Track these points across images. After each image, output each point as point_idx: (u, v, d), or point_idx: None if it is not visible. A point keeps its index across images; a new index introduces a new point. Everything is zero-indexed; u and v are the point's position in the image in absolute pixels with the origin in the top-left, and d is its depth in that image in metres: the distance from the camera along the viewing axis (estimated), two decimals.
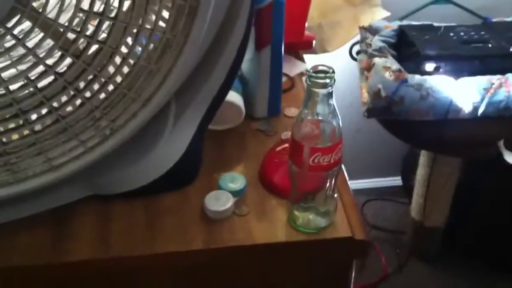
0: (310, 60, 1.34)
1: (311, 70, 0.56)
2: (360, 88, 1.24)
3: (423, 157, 1.38)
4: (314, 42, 0.99)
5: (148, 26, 0.56)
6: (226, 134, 0.79)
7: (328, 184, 0.62)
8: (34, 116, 0.58)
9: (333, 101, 0.57)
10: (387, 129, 1.25)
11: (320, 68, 0.56)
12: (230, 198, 0.66)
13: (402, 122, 1.17)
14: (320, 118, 0.58)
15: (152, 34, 0.56)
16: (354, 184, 1.76)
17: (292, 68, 0.90)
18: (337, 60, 1.40)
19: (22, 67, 0.55)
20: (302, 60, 0.97)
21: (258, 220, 0.66)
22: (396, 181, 1.77)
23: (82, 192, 0.69)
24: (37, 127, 0.59)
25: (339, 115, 0.58)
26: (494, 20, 1.35)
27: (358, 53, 1.33)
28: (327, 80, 0.55)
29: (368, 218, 1.69)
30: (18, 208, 0.66)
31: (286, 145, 0.67)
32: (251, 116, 0.81)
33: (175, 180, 0.70)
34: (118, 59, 0.58)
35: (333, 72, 0.56)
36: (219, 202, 0.65)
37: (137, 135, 0.65)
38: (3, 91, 0.55)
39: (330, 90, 0.56)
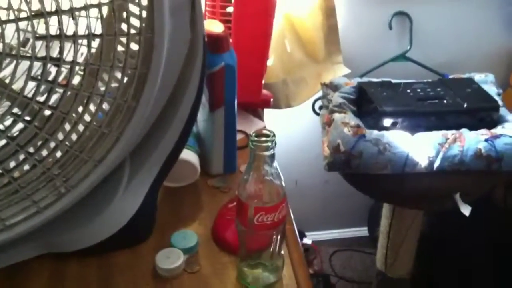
0: (276, 115, 1.39)
1: (254, 134, 0.59)
2: (322, 142, 1.28)
3: (385, 209, 1.41)
4: (272, 100, 1.02)
5: (99, 92, 0.59)
6: (182, 191, 0.81)
7: (274, 242, 0.64)
8: None
9: (275, 163, 0.60)
10: (348, 182, 1.28)
11: (263, 132, 0.60)
12: (181, 255, 0.68)
13: (362, 175, 1.21)
14: (263, 178, 0.61)
15: (102, 101, 0.59)
16: (324, 235, 1.78)
17: (249, 125, 0.94)
18: (304, 115, 1.44)
19: None
20: (261, 117, 1.01)
21: (208, 277, 0.67)
22: (364, 231, 1.79)
23: (35, 250, 0.70)
24: None
25: (281, 175, 0.61)
26: (450, 76, 1.42)
27: (320, 108, 1.38)
28: (269, 144, 0.58)
29: (336, 269, 1.70)
30: None
31: (233, 204, 0.69)
32: (207, 173, 0.84)
33: (129, 238, 0.71)
34: (68, 124, 0.60)
35: (274, 136, 0.59)
36: (169, 260, 0.67)
37: (91, 193, 0.67)
38: None
39: (272, 152, 0.59)
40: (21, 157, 0.60)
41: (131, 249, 0.71)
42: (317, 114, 1.39)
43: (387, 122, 1.22)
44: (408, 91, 1.30)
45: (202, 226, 0.75)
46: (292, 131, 1.57)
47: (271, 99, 1.02)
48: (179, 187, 0.81)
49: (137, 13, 0.58)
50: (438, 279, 1.56)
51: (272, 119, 1.23)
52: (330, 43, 1.43)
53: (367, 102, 1.28)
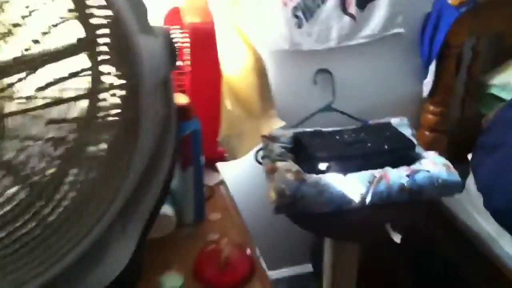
0: (225, 167, 1.52)
1: None
2: (268, 189, 1.43)
3: (327, 244, 1.57)
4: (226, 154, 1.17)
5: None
6: (161, 241, 0.93)
7: None
8: None
9: None
10: (293, 222, 1.43)
11: None
12: None
13: (305, 214, 1.36)
14: None
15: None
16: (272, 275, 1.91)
17: (210, 179, 1.07)
18: (246, 165, 1.59)
19: None
20: (217, 170, 1.15)
21: None
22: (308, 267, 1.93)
23: None
24: None
25: None
26: (370, 122, 1.63)
27: (263, 157, 1.53)
28: None
29: None
30: None
31: (214, 245, 0.82)
32: (180, 223, 0.96)
33: (122, 285, 0.82)
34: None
35: None
36: None
37: (94, 247, 0.77)
38: None
39: None
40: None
41: None
42: (260, 163, 1.54)
43: (322, 166, 1.40)
44: (337, 137, 1.49)
45: (184, 268, 0.87)
46: (239, 181, 1.70)
47: (225, 153, 1.17)
48: (159, 238, 0.93)
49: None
50: None
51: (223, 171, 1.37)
52: (264, 99, 1.60)
53: (302, 150, 1.45)
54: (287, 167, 1.37)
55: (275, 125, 1.58)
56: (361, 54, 1.65)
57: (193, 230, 0.95)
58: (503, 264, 1.46)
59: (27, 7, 0.63)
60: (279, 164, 1.39)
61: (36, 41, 0.65)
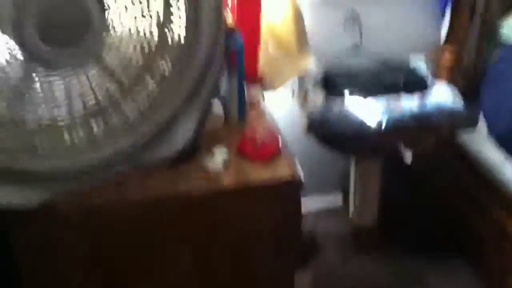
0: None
1: None
2: (300, 115, 1.71)
3: (352, 164, 1.85)
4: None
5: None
6: (214, 132, 1.23)
7: None
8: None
9: None
10: (322, 144, 1.70)
11: None
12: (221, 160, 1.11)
13: (333, 135, 1.63)
14: None
15: None
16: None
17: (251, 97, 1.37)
18: (283, 100, 1.87)
19: None
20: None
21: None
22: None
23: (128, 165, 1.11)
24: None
25: None
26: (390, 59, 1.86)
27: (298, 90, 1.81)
28: None
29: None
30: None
31: (253, 130, 1.12)
32: (227, 121, 1.26)
33: (187, 153, 1.13)
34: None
35: None
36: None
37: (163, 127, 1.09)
38: None
39: None
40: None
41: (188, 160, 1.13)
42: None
43: (346, 94, 1.67)
44: (361, 71, 1.76)
45: (231, 146, 1.17)
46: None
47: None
48: (213, 130, 1.23)
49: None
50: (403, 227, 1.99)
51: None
52: (301, 41, 1.87)
53: (331, 82, 1.73)
54: (318, 94, 1.65)
55: (309, 63, 1.86)
56: (386, 1, 1.89)
57: (238, 125, 1.25)
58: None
59: None
60: (311, 94, 1.68)
61: None
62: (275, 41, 1.84)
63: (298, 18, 1.83)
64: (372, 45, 1.89)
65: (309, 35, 1.82)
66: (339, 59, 1.88)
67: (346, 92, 1.67)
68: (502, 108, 1.67)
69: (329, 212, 2.15)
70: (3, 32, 0.96)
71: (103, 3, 1.00)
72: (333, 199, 2.17)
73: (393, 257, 1.93)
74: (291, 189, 1.09)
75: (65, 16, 0.96)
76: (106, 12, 1.02)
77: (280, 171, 1.10)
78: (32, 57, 0.99)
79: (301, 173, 1.10)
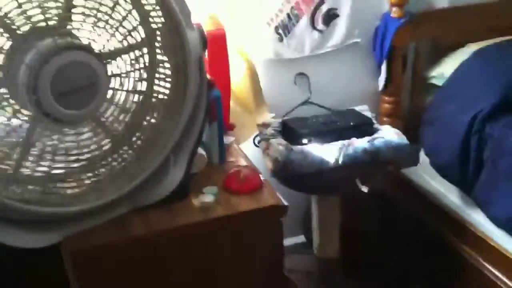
0: None
1: None
2: (265, 162, 1.88)
3: (314, 201, 2.02)
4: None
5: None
6: (199, 174, 1.37)
7: None
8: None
9: None
10: (287, 186, 1.87)
11: None
12: (212, 196, 1.24)
13: (295, 176, 1.81)
14: None
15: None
16: None
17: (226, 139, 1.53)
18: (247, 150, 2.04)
19: None
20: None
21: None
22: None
23: (126, 208, 1.23)
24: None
25: None
26: (339, 109, 2.10)
27: (259, 142, 1.99)
28: None
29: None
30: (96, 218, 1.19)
31: (236, 169, 1.27)
32: (209, 163, 1.41)
33: (179, 194, 1.27)
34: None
35: None
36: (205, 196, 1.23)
37: (156, 173, 1.22)
38: None
39: None
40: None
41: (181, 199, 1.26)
42: (257, 146, 2.00)
43: (304, 140, 1.86)
44: (314, 120, 1.97)
45: (217, 184, 1.31)
46: None
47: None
48: (197, 172, 1.37)
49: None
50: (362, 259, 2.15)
51: None
52: (257, 98, 2.07)
53: (289, 130, 1.92)
54: (278, 142, 1.83)
55: (266, 117, 2.05)
56: (329, 59, 2.13)
57: (219, 167, 1.40)
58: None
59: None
60: (272, 141, 1.85)
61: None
62: (234, 99, 2.02)
63: (254, 77, 2.03)
64: (321, 98, 2.12)
65: (265, 91, 2.02)
66: (293, 111, 2.09)
67: (303, 139, 1.86)
68: (441, 145, 1.92)
69: (295, 249, 2.29)
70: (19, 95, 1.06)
71: (108, 70, 1.15)
72: (298, 237, 2.32)
73: (359, 286, 2.08)
74: (277, 213, 1.24)
75: (77, 80, 1.08)
76: (112, 78, 1.16)
77: (264, 200, 1.25)
78: (42, 114, 1.10)
79: (284, 201, 1.26)
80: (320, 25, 2.07)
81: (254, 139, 2.03)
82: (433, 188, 2.03)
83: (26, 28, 1.03)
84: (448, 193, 1.98)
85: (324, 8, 2.04)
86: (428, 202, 2.00)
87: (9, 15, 1.00)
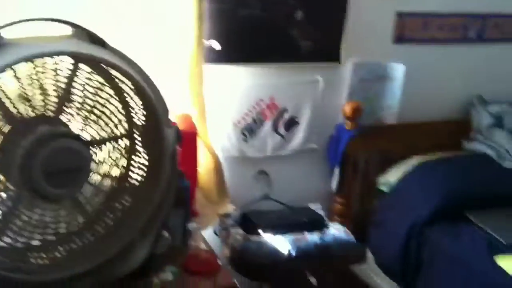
0: None
1: None
2: (222, 250, 2.02)
3: None
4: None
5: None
6: (163, 254, 1.51)
7: None
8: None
9: None
10: (241, 273, 2.00)
11: None
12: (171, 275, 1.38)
13: (251, 265, 1.95)
14: None
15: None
16: None
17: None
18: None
19: None
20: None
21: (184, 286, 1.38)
22: None
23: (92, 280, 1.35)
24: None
25: None
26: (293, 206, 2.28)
27: (219, 231, 2.13)
28: None
29: None
30: None
31: (195, 251, 1.42)
32: (172, 245, 1.55)
33: (140, 272, 1.39)
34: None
35: None
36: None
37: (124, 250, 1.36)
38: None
39: None
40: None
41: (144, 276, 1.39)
42: (217, 235, 2.14)
43: (261, 232, 2.02)
44: (271, 214, 2.15)
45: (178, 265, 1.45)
46: None
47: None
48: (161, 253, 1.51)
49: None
50: None
51: None
52: (220, 191, 2.24)
53: (248, 221, 2.09)
54: (237, 232, 1.99)
55: (228, 209, 2.22)
56: (289, 160, 2.36)
57: (182, 247, 1.55)
58: None
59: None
60: (231, 230, 2.01)
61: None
62: (200, 190, 2.19)
63: (219, 171, 2.21)
64: (279, 195, 2.31)
65: (228, 185, 2.21)
66: (253, 204, 2.27)
67: (260, 230, 2.02)
68: (385, 246, 2.11)
69: None
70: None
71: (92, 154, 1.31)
72: None
73: None
74: None
75: (65, 162, 1.24)
76: (94, 162, 1.33)
77: (220, 281, 1.39)
78: (29, 190, 1.25)
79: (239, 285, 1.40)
80: (282, 130, 2.32)
81: (215, 229, 2.17)
82: (377, 285, 2.19)
83: (29, 114, 1.21)
84: None
85: (286, 115, 2.29)
86: None
87: (12, 101, 1.17)
